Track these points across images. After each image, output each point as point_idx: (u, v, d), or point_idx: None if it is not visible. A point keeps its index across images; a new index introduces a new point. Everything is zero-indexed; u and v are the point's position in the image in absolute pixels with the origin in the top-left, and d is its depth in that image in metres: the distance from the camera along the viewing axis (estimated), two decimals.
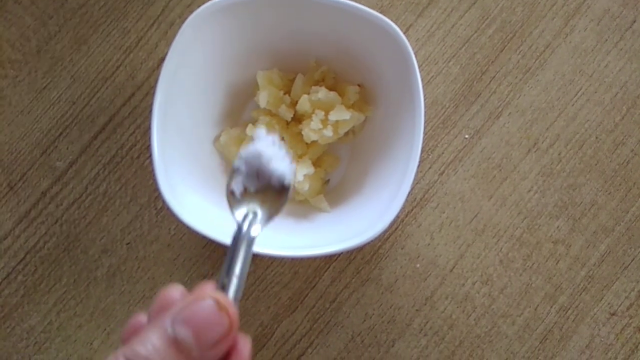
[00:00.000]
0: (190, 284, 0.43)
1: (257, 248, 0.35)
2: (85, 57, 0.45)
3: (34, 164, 0.44)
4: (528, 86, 0.44)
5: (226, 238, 0.35)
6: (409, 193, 0.43)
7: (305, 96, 0.40)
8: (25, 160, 0.44)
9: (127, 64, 0.45)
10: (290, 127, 0.41)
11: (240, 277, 0.25)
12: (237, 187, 0.28)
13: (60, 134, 0.44)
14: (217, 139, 0.41)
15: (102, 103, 0.44)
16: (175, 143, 0.38)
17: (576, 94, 0.44)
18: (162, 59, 0.45)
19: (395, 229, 0.43)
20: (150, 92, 0.44)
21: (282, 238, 0.38)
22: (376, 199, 0.38)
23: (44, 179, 0.44)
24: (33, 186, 0.43)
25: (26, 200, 0.43)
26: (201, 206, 0.38)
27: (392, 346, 0.42)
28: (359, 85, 0.41)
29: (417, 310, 0.42)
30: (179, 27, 0.43)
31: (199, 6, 0.45)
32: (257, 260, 0.43)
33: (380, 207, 0.37)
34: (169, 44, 0.45)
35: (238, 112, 0.43)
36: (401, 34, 0.36)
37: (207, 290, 0.25)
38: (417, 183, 0.43)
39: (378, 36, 0.37)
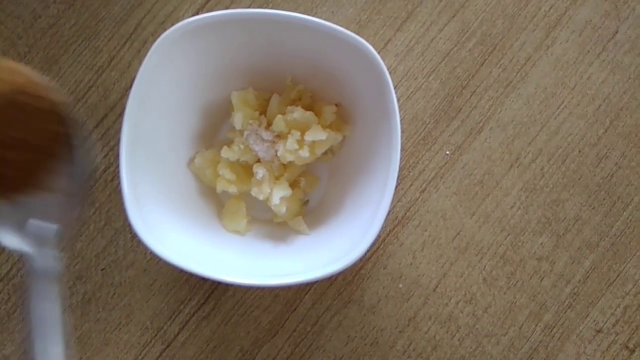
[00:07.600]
0: (167, 310, 0.42)
1: (233, 278, 0.34)
2: (56, 78, 0.43)
3: None
4: (509, 100, 0.44)
5: (203, 268, 0.35)
6: (391, 211, 0.42)
7: (280, 116, 0.39)
8: None
9: (99, 84, 0.44)
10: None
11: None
12: None
13: None
14: (191, 161, 0.40)
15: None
16: (147, 167, 0.37)
17: (558, 107, 0.44)
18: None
19: (377, 248, 0.42)
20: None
21: (260, 264, 0.37)
22: (356, 221, 0.37)
23: None
24: None
25: None
26: (175, 234, 0.37)
27: None
28: (336, 105, 0.40)
29: (400, 331, 0.41)
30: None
31: (172, 24, 0.44)
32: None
33: (360, 229, 0.36)
34: (142, 63, 0.44)
35: (213, 133, 0.42)
36: (375, 53, 0.35)
37: None
38: (398, 201, 0.43)
39: (353, 55, 0.36)
